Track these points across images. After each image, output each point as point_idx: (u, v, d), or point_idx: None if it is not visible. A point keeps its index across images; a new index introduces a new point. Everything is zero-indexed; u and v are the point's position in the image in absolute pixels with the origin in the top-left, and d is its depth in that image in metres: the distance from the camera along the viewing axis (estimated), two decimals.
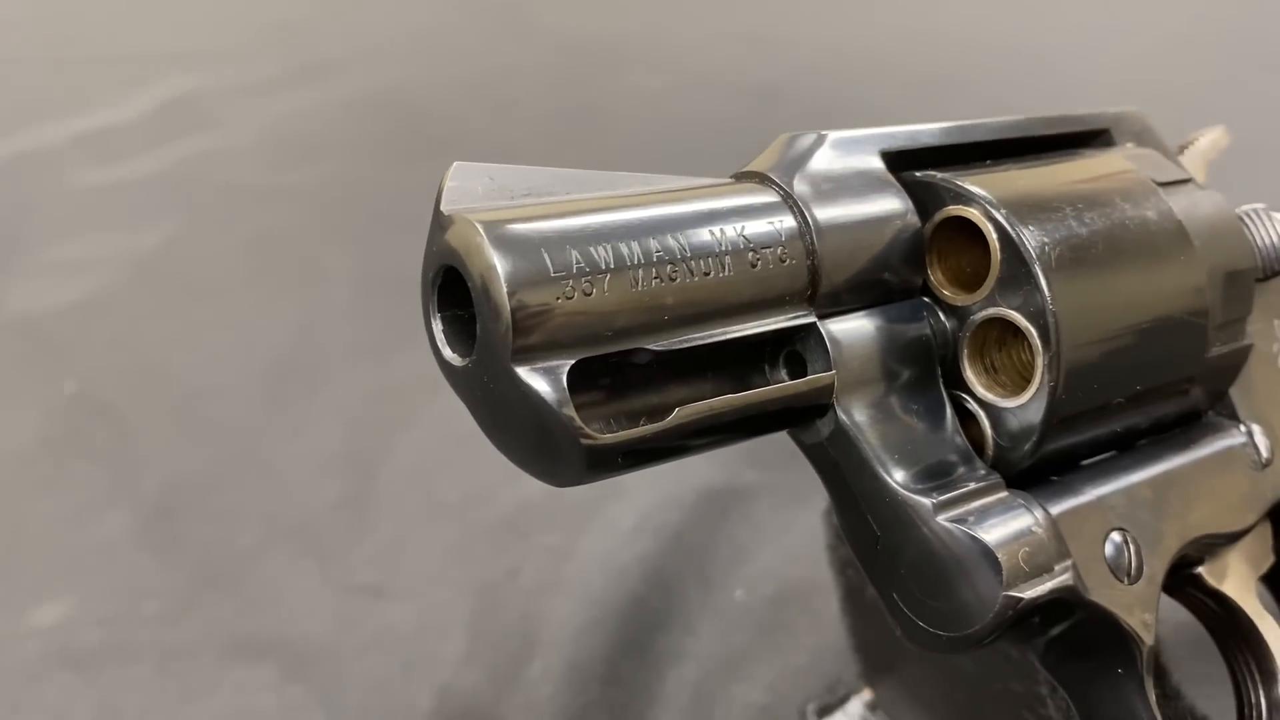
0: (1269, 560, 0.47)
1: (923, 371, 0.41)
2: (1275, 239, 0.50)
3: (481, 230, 0.33)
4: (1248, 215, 0.50)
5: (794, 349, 0.40)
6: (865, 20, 1.49)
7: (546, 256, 0.34)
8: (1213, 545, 0.45)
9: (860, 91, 1.37)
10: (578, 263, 0.34)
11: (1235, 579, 0.46)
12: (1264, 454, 0.47)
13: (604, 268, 0.34)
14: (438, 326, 0.36)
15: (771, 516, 0.76)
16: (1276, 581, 0.50)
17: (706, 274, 0.36)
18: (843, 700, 0.60)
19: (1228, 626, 0.46)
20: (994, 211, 0.40)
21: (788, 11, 1.49)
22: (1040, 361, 0.39)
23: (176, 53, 1.44)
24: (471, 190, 0.36)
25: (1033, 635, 0.41)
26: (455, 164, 0.36)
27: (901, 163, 0.43)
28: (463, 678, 0.67)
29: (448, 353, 0.36)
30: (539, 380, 0.33)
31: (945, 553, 0.38)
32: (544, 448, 0.34)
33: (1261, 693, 0.46)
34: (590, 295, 0.34)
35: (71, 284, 1.02)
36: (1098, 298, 0.40)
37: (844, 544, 0.59)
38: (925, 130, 0.44)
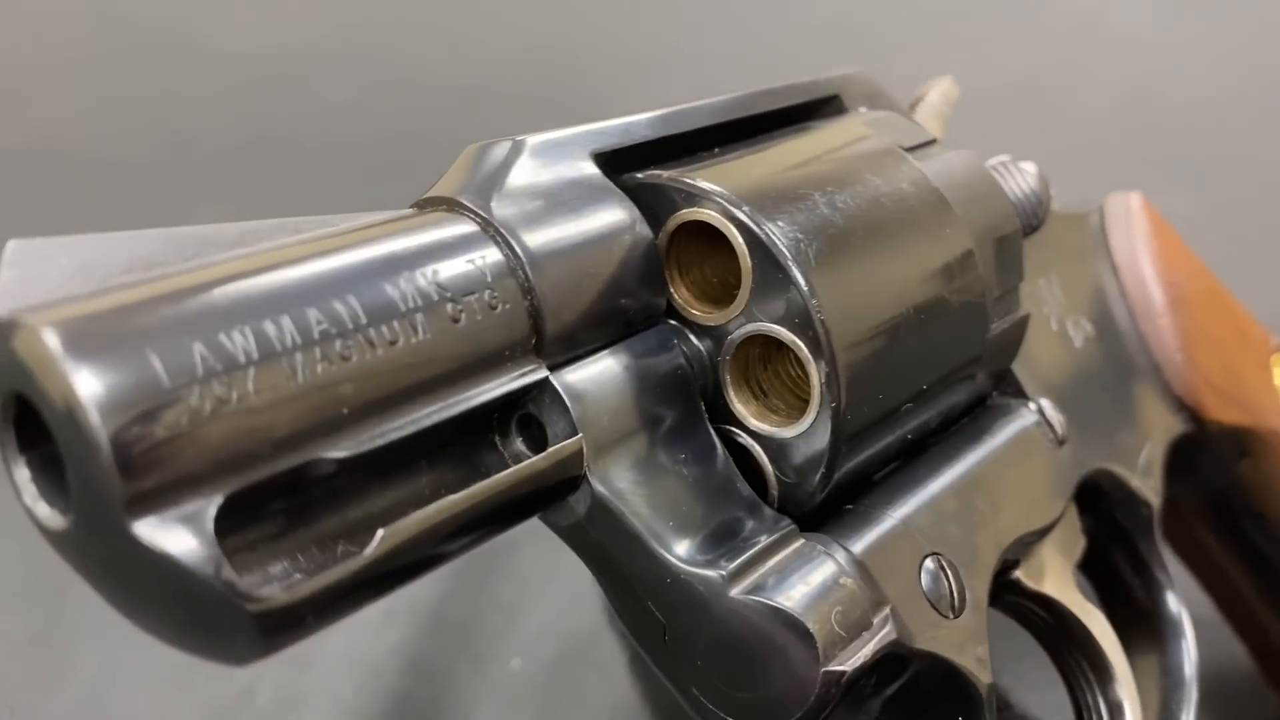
0: (1080, 545, 0.43)
1: (685, 411, 0.34)
2: (1029, 190, 0.46)
3: (52, 336, 0.23)
4: (996, 170, 0.46)
5: (527, 411, 0.32)
6: (562, 10, 1.42)
7: (156, 360, 0.24)
8: (1027, 545, 0.40)
9: (564, 86, 1.31)
10: (204, 360, 0.24)
11: (1053, 575, 0.41)
12: (1059, 430, 0.42)
13: (244, 360, 0.25)
14: (22, 475, 0.25)
15: (539, 565, 0.68)
16: (1091, 569, 0.46)
17: (393, 343, 0.28)
18: None
19: (1054, 629, 0.42)
20: (735, 210, 0.33)
21: (479, 5, 1.41)
22: (815, 377, 0.33)
23: None
24: (43, 278, 0.26)
25: (865, 701, 0.35)
26: (11, 243, 0.26)
27: (618, 164, 0.35)
28: None
29: (42, 510, 0.25)
30: (173, 535, 0.24)
31: (746, 633, 0.31)
32: (198, 623, 0.25)
33: (1098, 692, 0.42)
34: (230, 402, 0.25)
35: None
36: (866, 292, 0.34)
37: None
38: (638, 122, 0.37)
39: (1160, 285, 0.50)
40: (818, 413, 0.33)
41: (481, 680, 0.62)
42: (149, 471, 0.23)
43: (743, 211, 0.33)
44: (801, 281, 0.32)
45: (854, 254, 0.34)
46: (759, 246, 0.33)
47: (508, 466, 0.31)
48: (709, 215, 0.33)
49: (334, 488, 0.27)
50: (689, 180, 0.34)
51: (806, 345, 0.33)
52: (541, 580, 0.67)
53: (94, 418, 0.23)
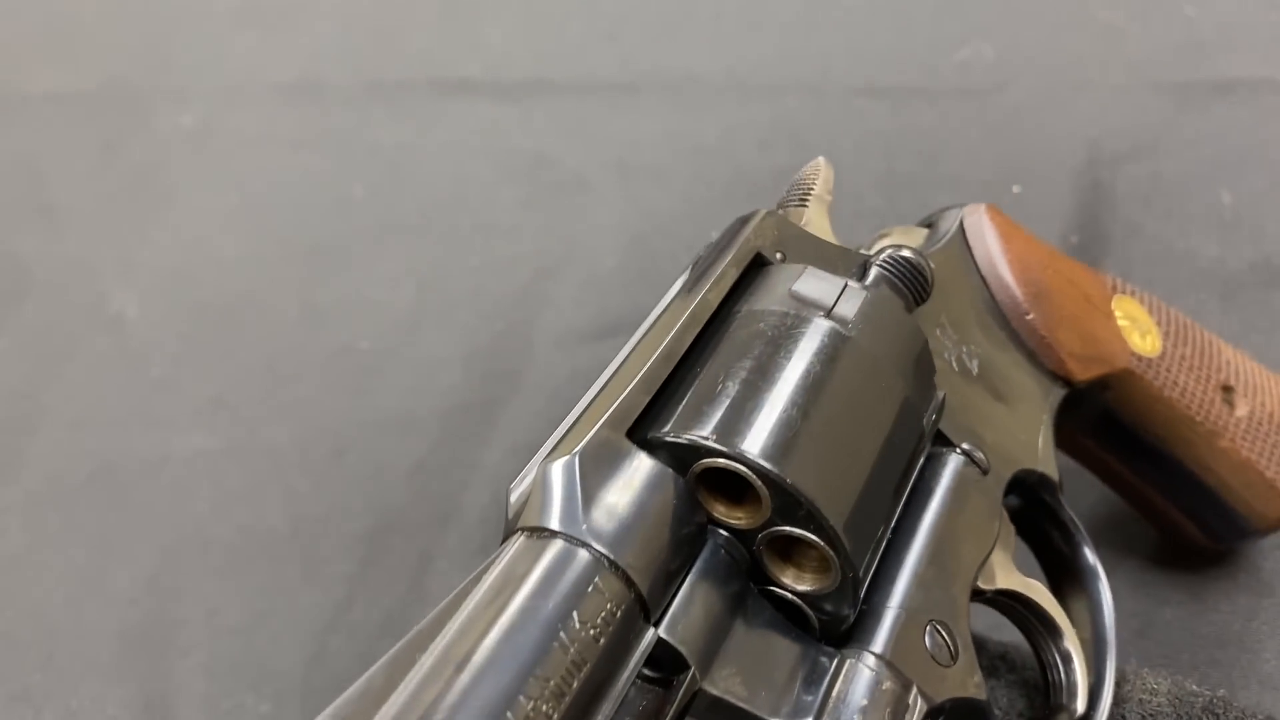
0: (1012, 536, 0.57)
1: (741, 594, 0.46)
2: (916, 275, 0.57)
3: None
4: (884, 264, 0.56)
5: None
6: None
7: None
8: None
9: None
10: None
11: (1001, 571, 0.55)
12: (982, 463, 0.55)
13: None
14: None
15: None
16: (1025, 535, 0.61)
17: (571, 682, 0.39)
18: None
19: (1014, 609, 0.56)
20: (744, 454, 0.43)
21: None
22: (833, 557, 0.45)
23: None
24: None
25: None
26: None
27: (635, 429, 0.46)
28: None
29: None
30: None
31: None
32: None
33: (1053, 647, 0.57)
34: None
35: None
36: (849, 472, 0.45)
37: None
38: (639, 387, 0.46)
39: (1019, 286, 0.63)
40: (840, 576, 0.45)
41: None
42: None
43: (749, 456, 0.44)
44: (815, 501, 0.43)
45: (830, 447, 0.45)
46: (771, 482, 0.44)
47: (640, 695, 0.43)
48: (725, 464, 0.44)
49: None
50: (695, 438, 0.44)
51: (822, 539, 0.44)
52: None
53: None
